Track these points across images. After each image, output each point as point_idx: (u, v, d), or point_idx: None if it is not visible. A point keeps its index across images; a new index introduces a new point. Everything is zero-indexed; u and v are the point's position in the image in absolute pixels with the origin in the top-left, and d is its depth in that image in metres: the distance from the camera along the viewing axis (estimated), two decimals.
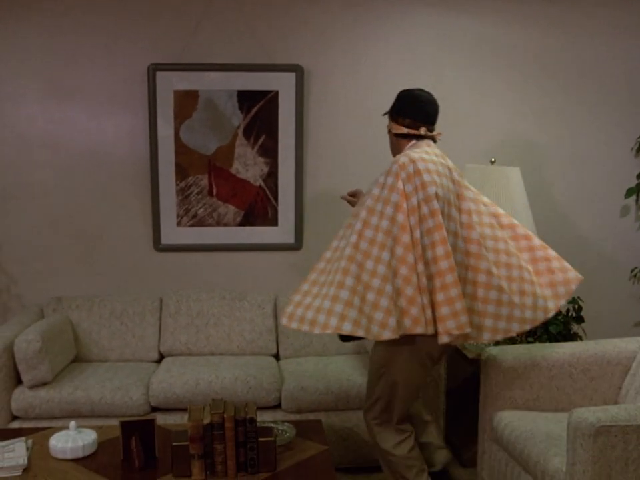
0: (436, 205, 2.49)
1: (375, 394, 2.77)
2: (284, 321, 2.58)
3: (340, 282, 2.50)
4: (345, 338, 2.68)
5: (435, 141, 2.73)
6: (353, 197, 2.93)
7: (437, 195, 2.51)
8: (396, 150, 2.76)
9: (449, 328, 2.44)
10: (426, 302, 2.44)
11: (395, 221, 2.48)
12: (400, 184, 2.50)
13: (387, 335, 2.41)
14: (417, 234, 2.48)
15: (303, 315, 2.54)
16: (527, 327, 2.57)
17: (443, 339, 2.46)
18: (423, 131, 2.68)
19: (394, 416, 2.75)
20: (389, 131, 2.78)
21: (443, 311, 2.45)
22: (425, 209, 2.49)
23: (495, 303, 2.53)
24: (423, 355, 2.64)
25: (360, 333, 2.44)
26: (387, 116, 2.81)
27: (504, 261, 2.60)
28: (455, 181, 2.65)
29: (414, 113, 2.68)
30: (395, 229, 2.47)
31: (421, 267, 2.46)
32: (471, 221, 2.61)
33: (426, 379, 2.83)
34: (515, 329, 2.55)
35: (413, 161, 2.54)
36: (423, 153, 2.61)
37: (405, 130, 2.69)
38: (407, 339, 2.52)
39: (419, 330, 2.44)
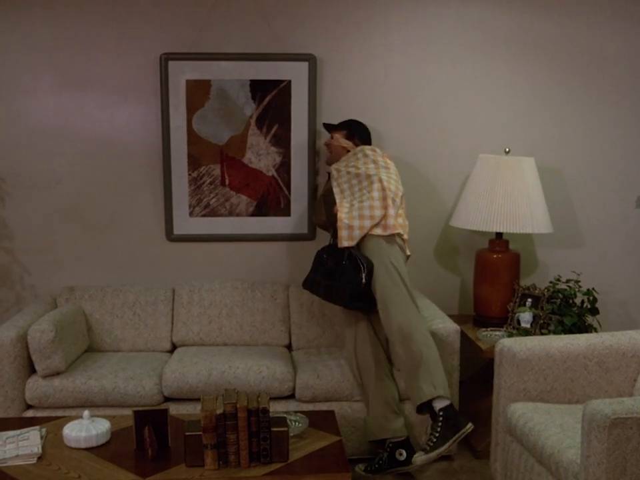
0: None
1: (403, 289, 3.23)
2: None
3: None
4: (350, 304, 3.30)
5: None
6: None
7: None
8: (337, 159, 3.63)
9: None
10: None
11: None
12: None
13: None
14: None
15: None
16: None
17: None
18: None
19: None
20: (338, 145, 3.65)
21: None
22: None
23: None
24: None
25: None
26: (338, 133, 3.71)
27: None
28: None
29: (363, 137, 3.72)
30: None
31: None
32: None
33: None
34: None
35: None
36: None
37: (353, 146, 3.64)
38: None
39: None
